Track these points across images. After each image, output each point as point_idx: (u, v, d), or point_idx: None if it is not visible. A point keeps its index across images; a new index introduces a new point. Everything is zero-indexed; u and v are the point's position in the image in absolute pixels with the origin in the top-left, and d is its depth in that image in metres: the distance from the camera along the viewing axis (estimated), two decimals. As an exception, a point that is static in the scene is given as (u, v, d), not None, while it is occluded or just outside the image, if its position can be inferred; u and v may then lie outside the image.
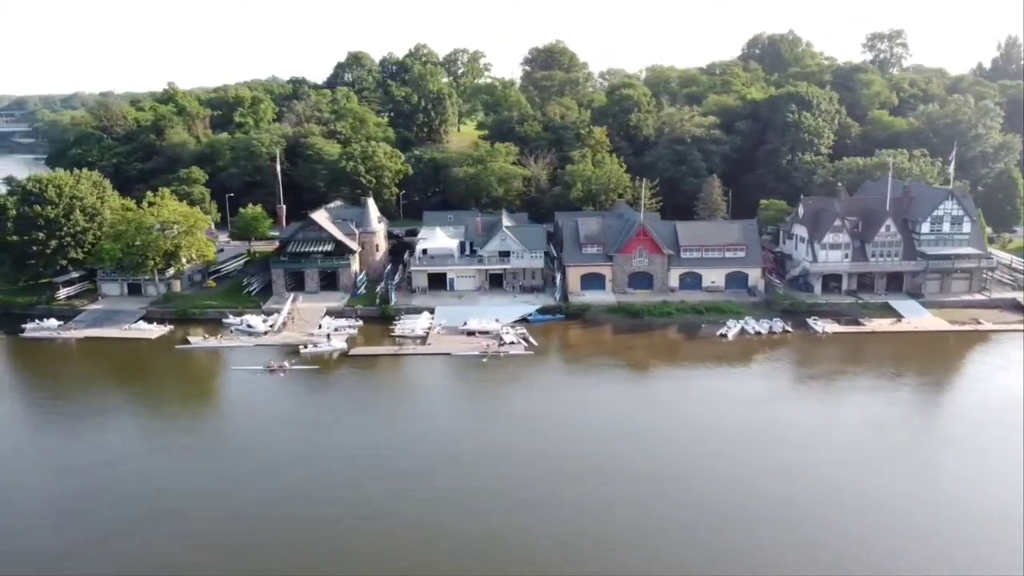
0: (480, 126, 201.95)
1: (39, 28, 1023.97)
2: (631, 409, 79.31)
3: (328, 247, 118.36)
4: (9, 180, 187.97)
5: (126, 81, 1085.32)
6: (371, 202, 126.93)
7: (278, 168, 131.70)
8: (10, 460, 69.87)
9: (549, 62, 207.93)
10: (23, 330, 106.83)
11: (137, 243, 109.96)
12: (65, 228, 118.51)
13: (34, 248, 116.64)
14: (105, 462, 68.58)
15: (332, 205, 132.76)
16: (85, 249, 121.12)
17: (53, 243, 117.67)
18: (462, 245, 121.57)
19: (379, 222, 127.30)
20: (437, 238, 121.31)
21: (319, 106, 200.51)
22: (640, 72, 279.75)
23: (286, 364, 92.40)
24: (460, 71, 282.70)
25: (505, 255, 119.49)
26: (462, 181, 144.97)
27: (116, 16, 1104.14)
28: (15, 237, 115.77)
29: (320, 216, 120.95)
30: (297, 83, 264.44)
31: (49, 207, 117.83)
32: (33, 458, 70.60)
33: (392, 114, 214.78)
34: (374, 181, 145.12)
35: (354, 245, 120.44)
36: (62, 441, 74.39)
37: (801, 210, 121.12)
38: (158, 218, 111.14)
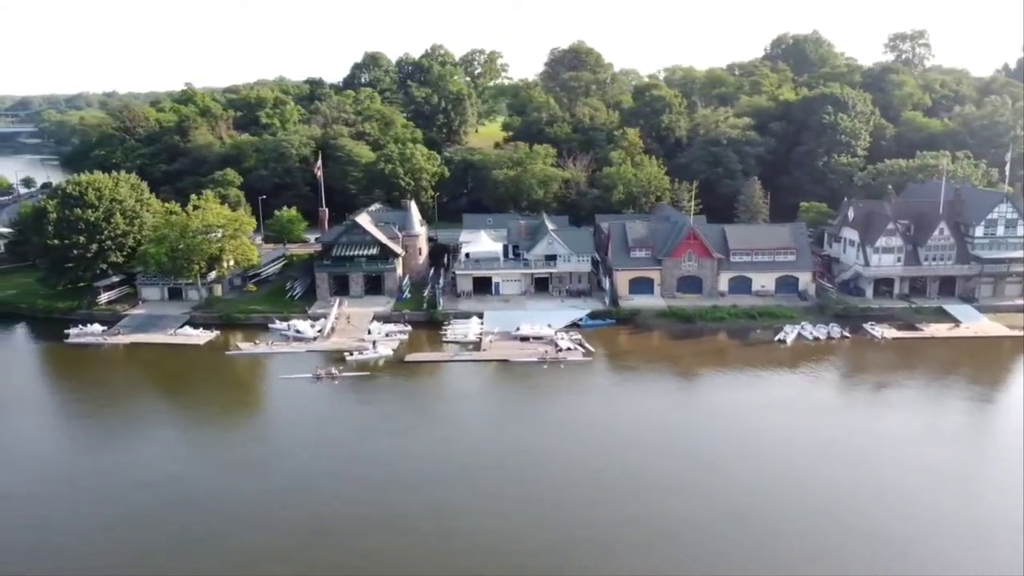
0: (505, 127, 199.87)
1: (41, 28, 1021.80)
2: (699, 420, 77.28)
3: (372, 250, 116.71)
4: (48, 185, 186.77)
5: (130, 81, 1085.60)
6: (413, 205, 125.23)
7: (319, 171, 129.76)
8: (75, 472, 68.15)
9: (575, 63, 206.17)
10: (67, 336, 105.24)
11: (181, 247, 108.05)
12: (106, 232, 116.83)
13: (74, 252, 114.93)
14: (173, 475, 66.80)
15: (373, 208, 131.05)
16: (124, 253, 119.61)
17: (93, 247, 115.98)
18: (506, 249, 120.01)
19: (421, 225, 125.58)
20: (481, 242, 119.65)
21: (342, 107, 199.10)
22: (658, 72, 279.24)
23: (334, 371, 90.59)
24: (477, 71, 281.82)
25: (552, 259, 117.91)
26: (501, 183, 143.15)
27: (119, 16, 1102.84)
28: (56, 241, 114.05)
29: (363, 219, 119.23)
30: (314, 84, 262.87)
31: (89, 210, 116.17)
32: (95, 469, 68.69)
33: (412, 115, 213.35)
34: (412, 183, 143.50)
35: (398, 248, 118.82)
36: (122, 452, 72.44)
37: (851, 213, 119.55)
38: (203, 222, 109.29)
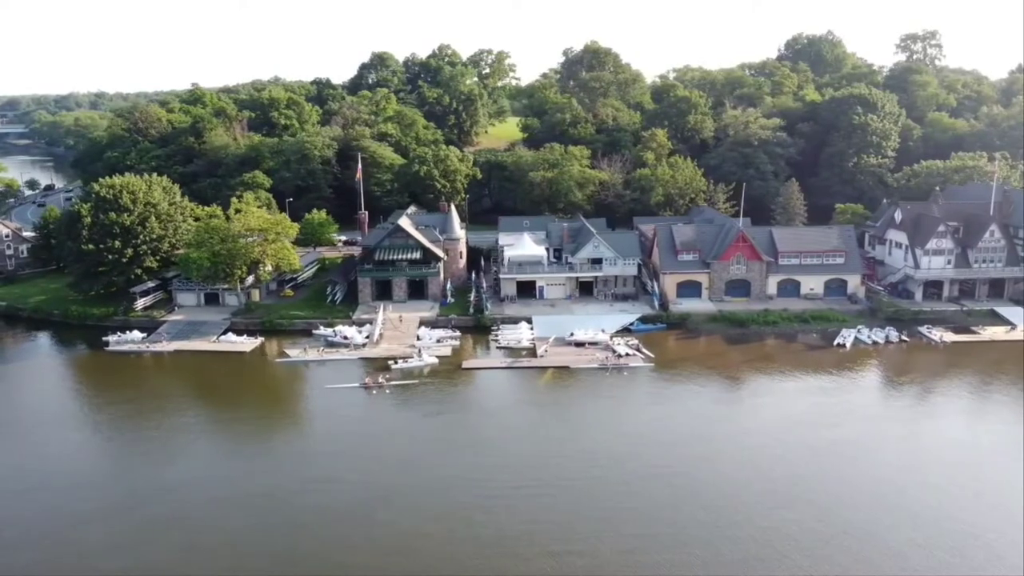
0: (525, 128, 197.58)
1: (29, 27, 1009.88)
2: (787, 431, 74.83)
3: (416, 254, 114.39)
4: (51, 187, 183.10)
5: (119, 81, 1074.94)
6: (453, 208, 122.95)
7: (359, 174, 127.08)
8: (152, 486, 65.62)
9: (593, 63, 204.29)
10: (106, 343, 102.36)
11: (224, 252, 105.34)
12: (141, 236, 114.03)
13: (109, 257, 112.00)
14: (263, 493, 64.43)
15: (410, 211, 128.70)
16: (159, 258, 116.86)
17: (129, 252, 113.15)
18: (548, 252, 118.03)
19: (461, 228, 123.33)
20: (525, 245, 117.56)
21: (356, 107, 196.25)
22: (668, 73, 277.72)
23: (382, 380, 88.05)
24: (485, 72, 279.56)
25: (597, 262, 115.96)
26: (537, 185, 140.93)
27: (108, 15, 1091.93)
28: (90, 246, 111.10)
29: (406, 222, 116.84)
30: (321, 84, 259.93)
31: (124, 214, 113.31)
32: (176, 483, 66.05)
33: (424, 115, 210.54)
34: (447, 185, 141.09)
35: (440, 252, 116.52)
36: (195, 467, 69.98)
37: (898, 215, 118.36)
38: (244, 225, 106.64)
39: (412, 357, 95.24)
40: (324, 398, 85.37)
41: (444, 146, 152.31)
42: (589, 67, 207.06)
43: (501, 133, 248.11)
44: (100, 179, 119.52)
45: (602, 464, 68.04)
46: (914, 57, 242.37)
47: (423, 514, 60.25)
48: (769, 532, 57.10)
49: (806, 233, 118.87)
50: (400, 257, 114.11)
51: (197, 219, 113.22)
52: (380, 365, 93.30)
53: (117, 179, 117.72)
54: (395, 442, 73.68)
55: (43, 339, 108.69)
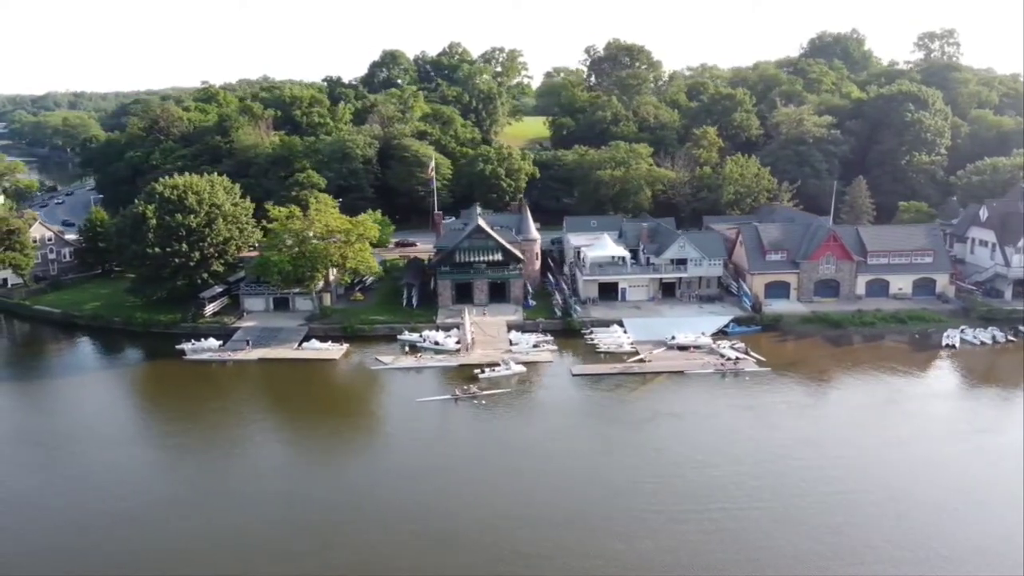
0: (555, 126, 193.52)
1: (3, 28, 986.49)
2: (945, 440, 71.95)
3: (496, 256, 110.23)
4: (54, 189, 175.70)
5: (94, 81, 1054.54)
6: (527, 207, 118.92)
7: (431, 172, 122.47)
8: (297, 502, 60.97)
9: (627, 59, 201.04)
10: (182, 352, 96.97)
11: (305, 254, 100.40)
12: (208, 238, 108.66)
13: (176, 261, 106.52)
14: (440, 515, 60.02)
15: (480, 212, 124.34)
16: (224, 261, 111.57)
17: (196, 255, 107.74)
18: (632, 253, 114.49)
19: (536, 229, 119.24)
20: (607, 246, 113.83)
21: (384, 106, 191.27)
22: (682, 70, 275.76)
23: (474, 389, 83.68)
24: (498, 70, 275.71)
25: (681, 263, 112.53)
26: (604, 184, 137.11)
27: (84, 15, 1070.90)
28: (156, 249, 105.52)
29: (484, 223, 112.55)
30: (332, 82, 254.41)
31: (191, 216, 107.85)
32: (322, 504, 61.56)
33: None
34: (512, 184, 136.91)
35: (519, 254, 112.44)
36: (337, 487, 65.44)
37: (984, 213, 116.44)
38: (325, 227, 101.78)
39: (499, 365, 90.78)
40: (439, 411, 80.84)
41: (507, 147, 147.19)
42: (619, 64, 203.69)
43: (517, 132, 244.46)
44: (161, 179, 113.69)
45: (839, 478, 63.80)
46: (932, 55, 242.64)
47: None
48: None
49: (893, 232, 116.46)
50: (480, 259, 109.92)
51: (269, 220, 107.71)
52: (468, 374, 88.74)
53: (180, 179, 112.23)
54: (577, 462, 68.40)
55: (109, 348, 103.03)
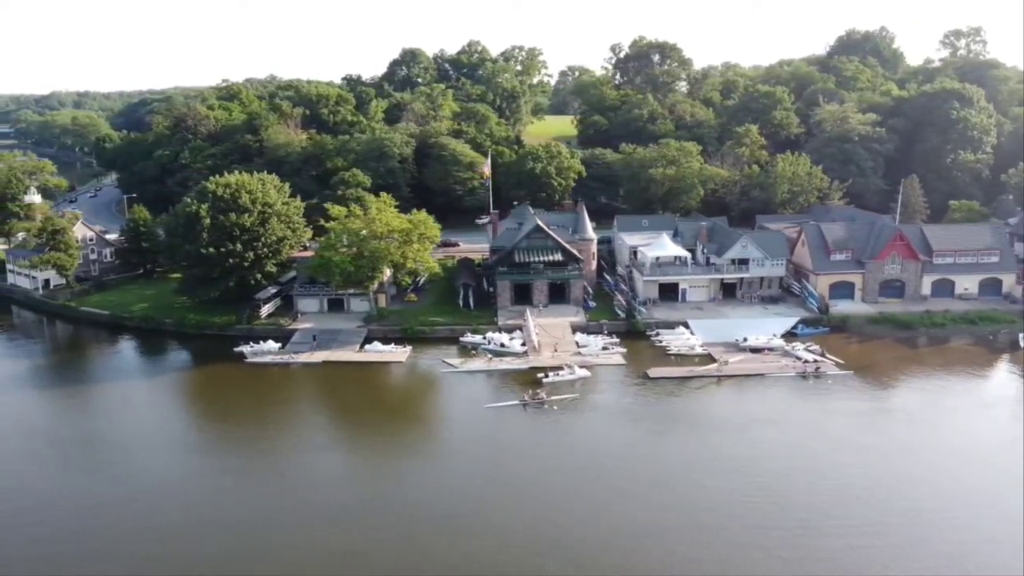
0: (588, 126, 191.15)
1: (6, 28, 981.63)
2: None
3: (556, 256, 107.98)
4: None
5: (97, 81, 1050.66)
6: (583, 206, 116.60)
7: (486, 169, 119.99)
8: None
9: (658, 58, 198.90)
10: (242, 355, 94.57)
11: (367, 254, 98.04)
12: (262, 238, 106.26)
13: (231, 261, 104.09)
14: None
15: (532, 211, 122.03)
16: (277, 261, 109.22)
17: (250, 255, 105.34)
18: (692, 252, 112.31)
19: (593, 229, 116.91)
20: (666, 246, 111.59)
21: (416, 104, 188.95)
22: (704, 69, 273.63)
23: (543, 395, 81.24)
24: (517, 68, 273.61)
25: (743, 263, 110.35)
26: (656, 183, 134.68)
27: (87, 15, 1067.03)
28: (211, 249, 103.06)
29: (539, 222, 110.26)
30: (352, 81, 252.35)
31: (245, 215, 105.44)
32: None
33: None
34: (563, 183, 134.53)
35: (579, 254, 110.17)
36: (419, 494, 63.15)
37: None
38: (386, 226, 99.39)
39: (562, 369, 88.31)
40: (512, 417, 78.44)
41: (557, 146, 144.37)
42: (648, 62, 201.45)
43: (539, 131, 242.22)
44: (213, 178, 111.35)
45: (953, 493, 61.15)
46: (958, 54, 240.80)
47: None
48: None
49: (958, 231, 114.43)
50: (539, 259, 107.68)
51: (327, 219, 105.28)
52: (534, 378, 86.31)
53: (232, 177, 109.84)
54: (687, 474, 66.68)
55: (164, 351, 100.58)
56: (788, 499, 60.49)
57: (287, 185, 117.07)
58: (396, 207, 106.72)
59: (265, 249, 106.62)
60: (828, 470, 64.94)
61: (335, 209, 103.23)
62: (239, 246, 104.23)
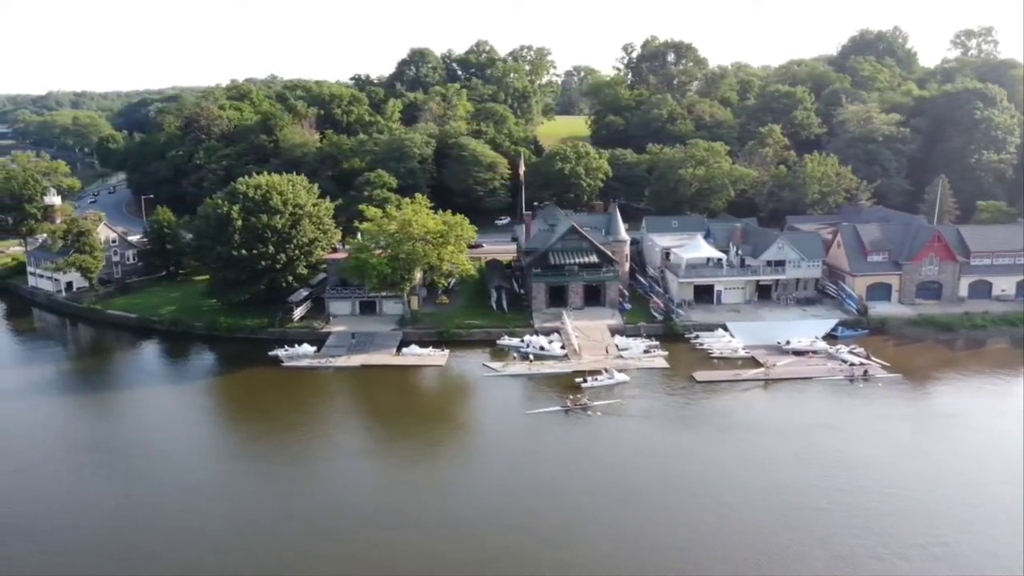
0: (602, 126, 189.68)
1: (4, 27, 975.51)
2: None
3: (591, 258, 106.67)
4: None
5: (97, 81, 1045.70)
6: (616, 207, 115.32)
7: (521, 169, 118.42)
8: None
9: (672, 58, 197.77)
10: (277, 359, 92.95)
11: (403, 255, 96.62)
12: (294, 240, 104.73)
13: (263, 263, 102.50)
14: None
15: (562, 212, 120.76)
16: (308, 263, 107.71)
17: (282, 257, 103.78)
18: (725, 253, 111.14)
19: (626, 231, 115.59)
20: (701, 247, 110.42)
21: (429, 104, 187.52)
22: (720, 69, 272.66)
23: (586, 400, 79.82)
24: (526, 68, 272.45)
25: (779, 264, 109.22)
26: (686, 184, 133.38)
27: (88, 14, 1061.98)
28: (243, 251, 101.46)
29: (570, 223, 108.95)
30: (361, 81, 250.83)
31: (276, 216, 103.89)
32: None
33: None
34: (590, 184, 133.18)
35: (613, 255, 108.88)
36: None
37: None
38: (422, 227, 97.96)
39: (601, 374, 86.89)
40: (556, 423, 76.99)
41: (587, 146, 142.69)
42: (663, 62, 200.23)
43: (549, 131, 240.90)
44: (242, 179, 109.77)
45: None
46: (969, 53, 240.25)
47: None
48: None
49: (995, 232, 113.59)
50: (574, 261, 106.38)
51: (349, 220, 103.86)
52: (571, 383, 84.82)
53: (263, 178, 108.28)
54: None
55: (196, 355, 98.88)
56: (876, 509, 59.10)
57: (315, 186, 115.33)
58: (431, 208, 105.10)
59: (297, 251, 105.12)
60: (907, 480, 63.44)
61: (370, 210, 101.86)
62: (271, 248, 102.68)
